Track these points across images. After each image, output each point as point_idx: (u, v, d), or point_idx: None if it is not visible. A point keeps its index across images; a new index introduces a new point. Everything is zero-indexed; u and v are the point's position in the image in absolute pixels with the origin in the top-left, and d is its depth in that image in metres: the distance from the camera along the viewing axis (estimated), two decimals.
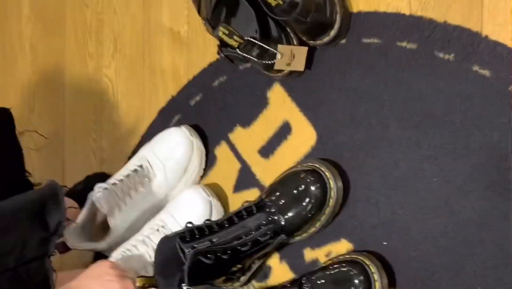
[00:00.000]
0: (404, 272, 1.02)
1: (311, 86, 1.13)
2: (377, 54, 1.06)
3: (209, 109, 1.25)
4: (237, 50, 1.04)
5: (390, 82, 1.04)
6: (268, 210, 1.06)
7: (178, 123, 1.29)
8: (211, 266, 1.03)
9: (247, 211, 1.07)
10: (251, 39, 1.04)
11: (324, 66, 1.11)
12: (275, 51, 1.05)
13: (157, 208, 1.24)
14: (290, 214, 1.06)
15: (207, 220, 1.08)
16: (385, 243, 1.05)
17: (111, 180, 1.22)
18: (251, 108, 1.20)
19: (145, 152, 1.23)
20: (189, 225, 1.05)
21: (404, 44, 1.03)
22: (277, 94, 1.17)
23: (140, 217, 1.23)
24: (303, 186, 1.06)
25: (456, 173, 0.98)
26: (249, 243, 1.05)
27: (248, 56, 1.05)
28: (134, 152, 1.37)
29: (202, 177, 1.25)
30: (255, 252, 1.07)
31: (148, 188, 1.21)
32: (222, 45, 1.06)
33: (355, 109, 1.08)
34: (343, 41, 1.09)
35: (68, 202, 1.29)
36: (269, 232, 1.05)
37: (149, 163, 1.22)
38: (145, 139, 1.35)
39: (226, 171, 1.23)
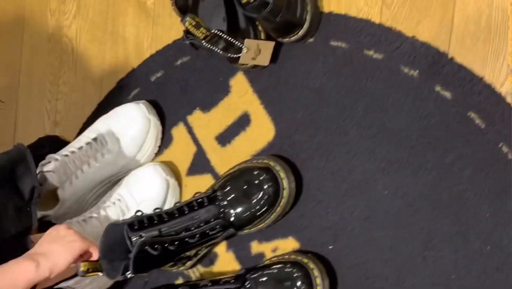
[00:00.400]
0: (346, 277, 1.05)
1: (275, 80, 1.12)
2: (343, 58, 1.05)
3: (169, 88, 1.23)
4: (203, 42, 1.02)
5: (353, 89, 1.04)
6: (218, 203, 1.06)
7: (136, 98, 1.27)
8: (157, 255, 1.03)
9: (198, 202, 1.07)
10: (218, 32, 1.02)
11: (289, 62, 1.10)
12: (241, 45, 1.04)
13: (108, 182, 1.24)
14: (240, 210, 1.06)
15: (157, 208, 1.07)
16: (330, 247, 1.07)
17: (63, 151, 1.20)
18: (212, 93, 1.18)
19: (100, 124, 1.21)
20: (139, 214, 1.05)
21: (371, 53, 1.03)
22: (239, 84, 1.15)
23: (90, 191, 1.22)
24: (256, 183, 1.06)
25: (407, 189, 1.00)
26: (197, 235, 1.05)
27: (214, 48, 1.03)
28: (89, 119, 1.34)
29: (156, 154, 1.24)
30: (203, 243, 1.08)
31: (101, 162, 1.20)
32: (188, 32, 1.03)
33: (316, 110, 1.08)
34: (311, 40, 1.08)
35: None
36: (218, 226, 1.05)
37: (103, 136, 1.20)
38: (101, 107, 1.33)
39: (181, 152, 1.22)
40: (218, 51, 1.04)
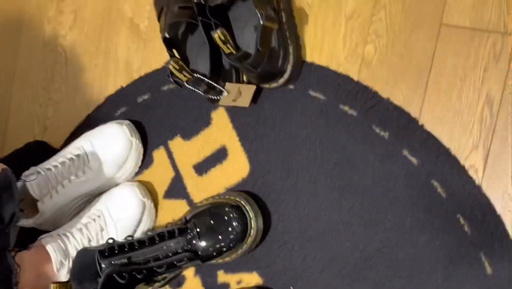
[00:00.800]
0: None
1: (254, 120, 1.15)
2: (320, 110, 1.08)
3: (154, 111, 1.27)
4: (185, 83, 1.05)
5: (326, 140, 1.08)
6: (188, 236, 1.10)
7: (122, 116, 1.31)
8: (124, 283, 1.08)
9: (169, 232, 1.11)
10: (200, 77, 1.05)
11: (268, 105, 1.14)
12: (222, 89, 1.07)
13: (87, 196, 1.28)
14: (208, 244, 1.11)
15: (129, 236, 1.12)
16: (291, 288, 1.11)
17: (46, 165, 1.24)
18: (194, 122, 1.22)
19: (84, 141, 1.25)
20: (110, 241, 1.10)
21: (346, 108, 1.06)
22: (220, 118, 1.19)
23: (69, 203, 1.26)
24: (225, 219, 1.10)
25: (366, 244, 1.04)
26: (165, 265, 1.10)
27: (195, 89, 1.07)
28: (77, 128, 1.38)
29: (137, 174, 1.28)
30: (170, 272, 1.13)
31: (81, 178, 1.24)
32: (172, 73, 1.07)
33: (290, 155, 1.11)
34: (291, 86, 1.11)
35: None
36: (185, 258, 1.10)
37: (86, 154, 1.24)
38: (89, 119, 1.36)
39: (160, 175, 1.26)
40: (200, 92, 1.07)
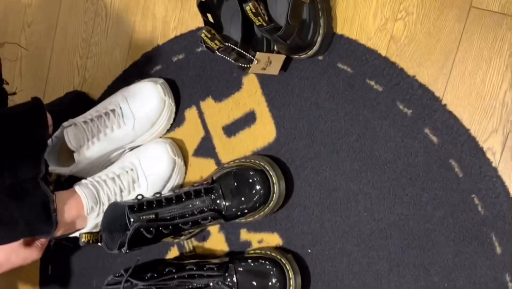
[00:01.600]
0: (318, 281, 1.15)
1: (282, 87, 1.18)
2: (346, 82, 1.11)
3: (187, 71, 1.31)
4: (216, 51, 1.09)
5: (351, 113, 1.11)
6: (213, 196, 1.16)
7: (157, 74, 1.35)
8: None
9: (196, 191, 1.16)
10: (231, 45, 1.08)
11: (297, 74, 1.16)
12: (252, 58, 1.10)
13: (121, 150, 1.34)
14: (232, 204, 1.16)
15: (158, 192, 1.18)
16: (309, 250, 1.16)
17: (82, 118, 1.30)
18: (225, 86, 1.26)
19: (119, 97, 1.30)
20: (140, 197, 1.16)
21: (372, 83, 1.08)
22: (251, 83, 1.22)
23: (104, 156, 1.33)
24: (250, 182, 1.15)
25: (383, 216, 1.08)
26: (190, 223, 1.16)
27: (226, 57, 1.10)
28: (114, 83, 1.43)
29: (168, 130, 1.34)
30: (194, 228, 1.19)
31: (116, 133, 1.29)
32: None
33: (315, 124, 1.15)
34: (320, 57, 1.14)
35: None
36: (210, 217, 1.15)
37: (121, 110, 1.29)
38: (126, 74, 1.41)
39: (190, 133, 1.31)
40: (230, 60, 1.11)
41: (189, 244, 1.32)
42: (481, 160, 0.99)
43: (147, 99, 1.28)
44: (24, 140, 1.18)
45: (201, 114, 1.29)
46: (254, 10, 1.01)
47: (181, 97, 1.32)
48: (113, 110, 1.30)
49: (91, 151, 1.29)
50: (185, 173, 1.31)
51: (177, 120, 1.33)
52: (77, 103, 1.47)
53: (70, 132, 1.28)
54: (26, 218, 1.13)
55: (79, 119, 1.30)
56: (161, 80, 1.31)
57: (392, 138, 1.07)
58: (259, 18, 1.02)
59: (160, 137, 1.34)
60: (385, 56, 1.07)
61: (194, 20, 1.30)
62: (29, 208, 1.13)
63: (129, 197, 1.28)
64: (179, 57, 1.32)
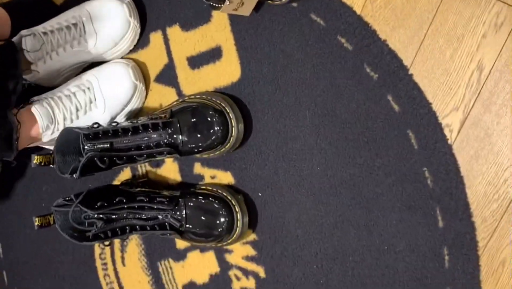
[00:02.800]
0: (265, 224, 1.18)
1: (252, 28, 1.16)
2: (317, 35, 1.09)
3: None
4: None
5: (318, 67, 1.10)
6: (170, 130, 1.15)
7: None
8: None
9: (153, 124, 1.15)
10: None
11: (269, 18, 1.14)
12: None
13: (79, 66, 1.31)
14: (188, 141, 1.15)
15: (114, 122, 1.17)
16: (259, 194, 1.18)
17: (42, 28, 1.25)
18: (194, 15, 1.22)
19: (83, 12, 1.25)
20: (96, 126, 1.14)
21: (343, 40, 1.07)
22: (220, 18, 1.19)
23: (62, 70, 1.30)
24: (208, 121, 1.14)
25: (335, 173, 1.10)
26: (145, 155, 1.16)
27: None
28: None
29: (131, 51, 1.30)
30: (147, 161, 1.19)
31: (76, 49, 1.25)
32: None
33: (281, 72, 1.14)
34: (295, 4, 1.11)
35: (1, 11, 1.33)
36: (165, 152, 1.15)
37: (83, 25, 1.25)
38: None
39: (154, 58, 1.28)
40: None
41: (142, 168, 1.32)
42: (438, 135, 1.01)
43: (112, 18, 1.24)
44: None
45: (166, 41, 1.26)
46: None
47: (147, 19, 1.28)
48: (75, 25, 1.25)
49: (48, 64, 1.26)
50: (145, 98, 1.29)
51: (141, 42, 1.29)
52: (39, 6, 1.41)
53: (29, 42, 1.23)
54: None
55: (39, 29, 1.25)
56: (127, 2, 1.26)
57: (354, 100, 1.07)
58: None
59: (123, 57, 1.31)
60: (359, 15, 1.05)
61: None
62: None
63: (84, 116, 1.26)
64: None
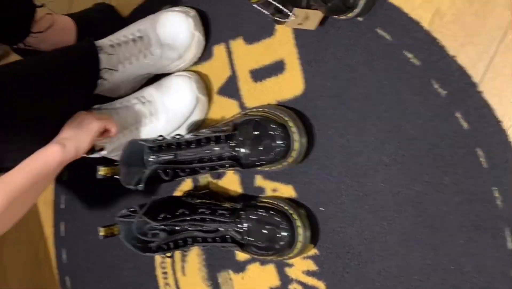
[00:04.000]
0: (326, 239, 1.17)
1: (317, 42, 1.15)
2: (383, 50, 1.08)
3: (221, 6, 1.27)
4: (254, 4, 1.05)
5: (384, 82, 1.08)
6: (233, 143, 1.15)
7: (189, 2, 1.31)
8: None
9: (216, 137, 1.16)
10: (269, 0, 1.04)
11: (334, 32, 1.13)
12: (290, 13, 1.06)
13: (143, 78, 1.33)
14: (251, 154, 1.15)
15: (178, 134, 1.17)
16: (321, 209, 1.18)
17: (108, 41, 1.27)
18: (258, 29, 1.22)
19: (148, 25, 1.27)
20: (160, 138, 1.16)
21: (410, 56, 1.05)
22: (284, 31, 1.19)
23: (126, 82, 1.32)
24: (270, 135, 1.14)
25: (401, 190, 1.08)
26: (207, 168, 1.16)
27: (263, 10, 1.06)
28: (146, 3, 1.39)
29: (195, 63, 1.31)
30: (210, 173, 1.20)
31: (142, 62, 1.27)
32: None
33: (345, 86, 1.13)
34: (360, 19, 1.10)
35: (67, 20, 1.36)
36: (227, 165, 1.16)
37: (149, 39, 1.26)
38: None
39: (217, 71, 1.29)
40: (267, 13, 1.07)
41: (204, 179, 1.33)
42: (508, 154, 0.98)
43: (177, 32, 1.25)
44: (75, 86, 1.21)
45: (229, 53, 1.27)
46: None
47: (211, 32, 1.29)
48: (141, 38, 1.27)
49: (113, 77, 1.28)
50: (207, 110, 1.30)
51: (205, 54, 1.30)
52: (106, 17, 1.44)
53: (100, 56, 1.26)
54: None
55: (106, 42, 1.27)
56: (193, 13, 1.27)
57: (421, 116, 1.05)
58: None
59: (186, 70, 1.32)
60: (427, 30, 1.03)
61: None
62: None
63: (145, 128, 1.28)
64: None
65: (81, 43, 1.25)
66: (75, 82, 1.20)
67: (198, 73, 1.31)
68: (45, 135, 1.11)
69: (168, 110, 1.27)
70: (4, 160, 1.09)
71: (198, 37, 1.26)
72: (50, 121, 1.14)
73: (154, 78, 1.34)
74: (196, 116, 1.29)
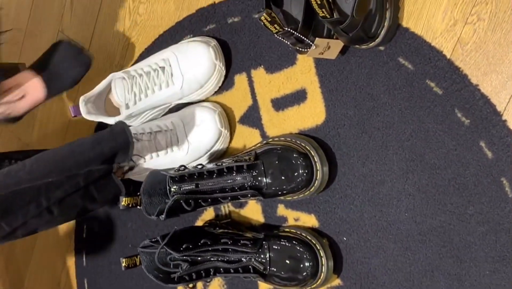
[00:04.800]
0: (350, 270, 1.16)
1: (338, 71, 1.15)
2: (405, 79, 1.07)
3: (242, 36, 1.27)
4: (275, 35, 1.05)
5: (406, 111, 1.08)
6: (255, 172, 1.15)
7: (210, 32, 1.32)
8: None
9: (238, 167, 1.16)
10: (290, 30, 1.04)
11: (355, 61, 1.13)
12: (311, 43, 1.06)
13: (166, 105, 1.33)
14: (272, 184, 1.15)
15: (200, 164, 1.17)
16: (344, 238, 1.16)
17: (132, 71, 1.28)
18: (279, 58, 1.22)
19: (170, 55, 1.28)
20: (182, 168, 1.16)
21: (432, 85, 1.05)
22: (305, 60, 1.19)
23: (148, 111, 1.32)
24: (293, 165, 1.14)
25: (425, 220, 1.07)
26: (229, 198, 1.16)
27: (284, 40, 1.07)
28: (166, 33, 1.40)
29: (216, 93, 1.32)
30: (232, 203, 1.19)
31: (163, 92, 1.28)
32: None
33: (366, 115, 1.12)
34: (381, 48, 1.09)
35: (35, 84, 1.37)
36: (249, 194, 1.15)
37: (171, 68, 1.27)
38: (178, 27, 1.38)
39: (238, 100, 1.29)
40: (288, 43, 1.07)
41: (225, 208, 1.33)
42: None
43: (198, 62, 1.26)
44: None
45: (251, 83, 1.27)
46: (319, 2, 0.96)
47: (232, 61, 1.29)
48: (162, 68, 1.28)
49: (137, 107, 1.29)
50: (229, 143, 1.30)
51: (226, 84, 1.31)
52: (70, 59, 1.43)
53: (119, 86, 1.27)
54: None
55: (130, 71, 1.28)
56: (214, 42, 1.27)
57: (445, 145, 1.04)
58: (323, 10, 0.97)
59: (209, 100, 1.32)
60: (449, 59, 1.03)
61: None
62: (102, 203, 1.24)
63: (166, 156, 1.28)
64: (235, 20, 1.28)
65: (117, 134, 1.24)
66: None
67: (220, 103, 1.31)
68: None
69: (191, 142, 1.27)
70: None
71: (219, 67, 1.26)
72: None
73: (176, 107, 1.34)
74: (217, 149, 1.29)
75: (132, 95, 1.27)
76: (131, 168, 1.25)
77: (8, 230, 1.17)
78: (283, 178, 1.14)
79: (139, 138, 1.28)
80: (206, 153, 1.27)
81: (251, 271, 1.17)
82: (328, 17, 0.98)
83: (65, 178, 1.17)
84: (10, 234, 1.18)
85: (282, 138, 1.19)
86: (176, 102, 1.33)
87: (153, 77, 1.28)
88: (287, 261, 1.16)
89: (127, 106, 1.28)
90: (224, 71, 1.28)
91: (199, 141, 1.26)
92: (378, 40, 1.05)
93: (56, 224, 1.25)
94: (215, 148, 1.27)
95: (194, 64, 1.26)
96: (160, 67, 1.28)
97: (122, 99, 1.27)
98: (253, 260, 1.17)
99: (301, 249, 1.15)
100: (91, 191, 1.21)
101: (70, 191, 1.19)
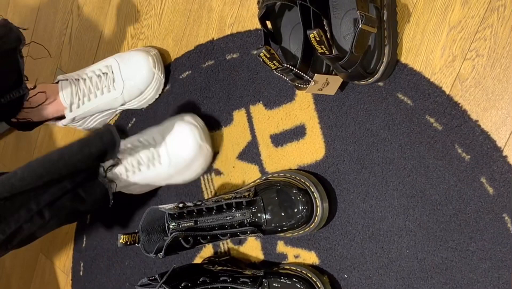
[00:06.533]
0: None
1: (337, 107, 1.15)
2: (405, 115, 1.07)
3: (240, 72, 1.27)
4: (274, 71, 1.05)
5: (406, 146, 1.07)
6: (254, 209, 1.14)
7: (209, 69, 1.32)
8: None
9: (237, 203, 1.15)
10: (289, 67, 1.04)
11: (354, 96, 1.13)
12: (310, 79, 1.06)
13: (111, 111, 1.42)
14: (272, 221, 1.14)
15: (199, 200, 1.16)
16: (345, 276, 1.15)
17: (75, 75, 1.35)
18: (278, 94, 1.22)
19: (112, 62, 1.36)
20: (180, 205, 1.15)
21: (431, 120, 1.04)
22: (304, 96, 1.19)
23: (94, 115, 1.41)
24: (292, 201, 1.13)
25: (426, 256, 1.06)
26: (228, 234, 1.15)
27: (283, 76, 1.07)
28: (165, 68, 1.41)
29: (214, 129, 1.31)
30: (232, 240, 1.18)
31: (105, 96, 1.36)
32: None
33: (367, 151, 1.12)
34: (381, 84, 1.10)
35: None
36: (248, 231, 1.14)
37: (113, 74, 1.34)
38: (177, 63, 1.38)
39: (237, 136, 1.28)
40: (287, 79, 1.07)
41: (224, 245, 1.31)
42: None
43: (138, 69, 1.33)
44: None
45: (249, 118, 1.27)
46: (318, 39, 0.96)
47: (231, 97, 1.29)
48: (105, 74, 1.34)
49: (80, 110, 1.36)
50: (212, 158, 1.30)
51: (225, 120, 1.30)
52: None
53: (66, 88, 1.32)
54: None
55: (72, 76, 1.35)
56: (154, 52, 1.35)
57: (445, 181, 1.03)
58: (322, 46, 0.97)
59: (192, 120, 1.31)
60: (448, 95, 1.03)
61: (252, 20, 1.26)
62: (91, 204, 1.24)
63: (149, 171, 1.28)
64: (233, 56, 1.29)
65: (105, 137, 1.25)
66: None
67: (219, 138, 1.31)
68: None
69: (171, 158, 1.27)
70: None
71: (157, 75, 1.36)
72: None
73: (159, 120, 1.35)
74: (200, 165, 1.29)
75: (76, 98, 1.33)
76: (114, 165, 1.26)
77: (2, 237, 1.16)
78: (282, 214, 1.13)
79: (124, 151, 1.30)
80: (188, 168, 1.27)
81: None
82: (327, 53, 0.98)
83: (52, 182, 1.17)
84: (6, 242, 1.17)
85: (282, 174, 1.19)
86: (120, 108, 1.39)
87: (96, 82, 1.33)
88: None
89: (71, 109, 1.32)
90: (163, 80, 1.36)
91: (180, 157, 1.27)
92: (377, 76, 1.05)
93: (51, 228, 1.24)
94: (197, 164, 1.27)
95: (134, 71, 1.33)
96: (103, 73, 1.34)
97: (68, 101, 1.31)
98: None
99: (301, 286, 1.14)
100: (79, 192, 1.22)
101: (58, 193, 1.20)
